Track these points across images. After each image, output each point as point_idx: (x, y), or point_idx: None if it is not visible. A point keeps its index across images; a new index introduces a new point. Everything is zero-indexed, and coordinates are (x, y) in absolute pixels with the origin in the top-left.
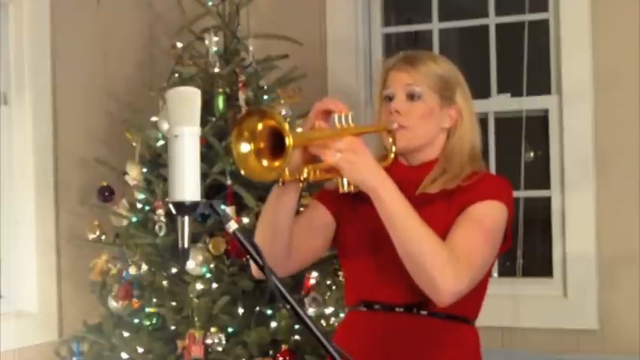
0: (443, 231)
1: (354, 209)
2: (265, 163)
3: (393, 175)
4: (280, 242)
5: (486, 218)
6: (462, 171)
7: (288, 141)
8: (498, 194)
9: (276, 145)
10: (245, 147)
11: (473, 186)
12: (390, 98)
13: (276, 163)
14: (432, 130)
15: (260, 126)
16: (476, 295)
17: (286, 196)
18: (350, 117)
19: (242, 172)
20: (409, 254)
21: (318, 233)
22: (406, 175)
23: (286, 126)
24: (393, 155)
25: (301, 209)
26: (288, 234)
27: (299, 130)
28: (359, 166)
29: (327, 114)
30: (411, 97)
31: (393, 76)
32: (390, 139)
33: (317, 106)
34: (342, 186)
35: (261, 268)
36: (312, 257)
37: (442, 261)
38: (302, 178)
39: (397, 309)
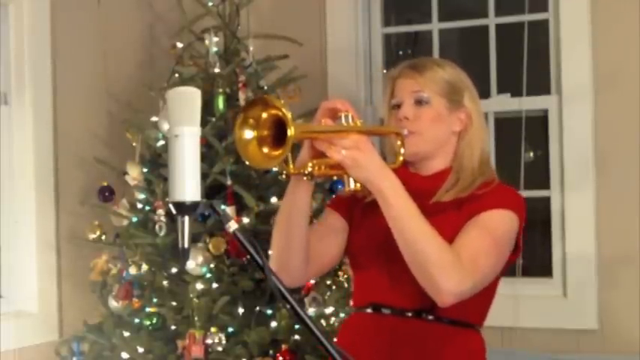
0: (452, 238)
1: (365, 215)
2: (266, 150)
3: (407, 184)
4: (297, 247)
5: (496, 227)
6: (474, 180)
7: (290, 131)
8: (510, 204)
9: (279, 135)
10: (248, 133)
11: (485, 195)
12: (398, 106)
13: (277, 152)
14: (442, 134)
15: (265, 115)
16: (483, 301)
17: (299, 193)
18: (357, 117)
19: (241, 157)
20: (413, 253)
21: (334, 239)
22: (420, 185)
23: (289, 116)
24: (401, 158)
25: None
26: (304, 238)
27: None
28: (364, 164)
29: (334, 113)
30: (419, 102)
31: (399, 84)
32: (399, 142)
33: (324, 104)
34: (348, 184)
35: (261, 267)
36: (328, 264)
37: (446, 262)
38: (306, 172)
39: (407, 314)
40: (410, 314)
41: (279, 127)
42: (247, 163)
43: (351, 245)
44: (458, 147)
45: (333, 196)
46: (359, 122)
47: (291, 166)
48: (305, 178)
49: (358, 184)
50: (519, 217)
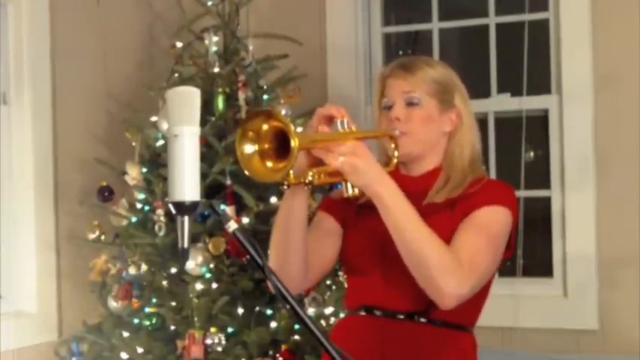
0: (448, 238)
1: (358, 217)
2: (270, 164)
3: (399, 186)
4: (296, 255)
5: (491, 223)
6: (465, 178)
7: (294, 142)
8: (502, 200)
9: (280, 147)
10: (249, 148)
11: (477, 192)
12: (389, 107)
13: (281, 165)
14: (433, 135)
15: (265, 127)
16: (477, 302)
17: (297, 202)
18: (352, 123)
19: (246, 173)
20: (413, 257)
21: (330, 244)
22: (411, 187)
23: (292, 127)
24: (395, 160)
25: None
26: (303, 245)
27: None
28: (362, 170)
29: (330, 119)
30: (410, 103)
31: (390, 84)
32: (393, 145)
33: (319, 111)
34: (347, 190)
35: (261, 267)
36: (327, 268)
37: (446, 264)
38: (307, 181)
39: (398, 316)
40: (402, 316)
41: (279, 139)
42: (253, 177)
43: (345, 248)
44: (448, 146)
45: (325, 198)
46: (354, 127)
47: (292, 175)
48: (306, 187)
49: (357, 190)
50: (512, 212)
